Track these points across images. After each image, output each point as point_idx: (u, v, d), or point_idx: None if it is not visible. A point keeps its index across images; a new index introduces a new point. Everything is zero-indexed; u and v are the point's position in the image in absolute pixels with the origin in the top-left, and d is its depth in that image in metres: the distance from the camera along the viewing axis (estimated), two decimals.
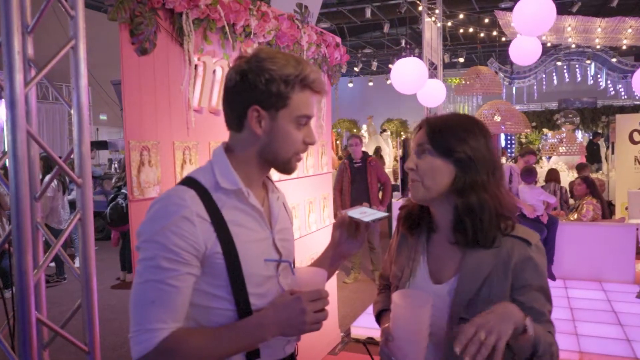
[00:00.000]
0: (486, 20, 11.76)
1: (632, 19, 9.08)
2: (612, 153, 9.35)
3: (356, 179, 5.74)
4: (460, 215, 1.18)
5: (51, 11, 1.63)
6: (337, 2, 11.66)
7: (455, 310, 1.16)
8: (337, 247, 1.30)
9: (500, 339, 0.97)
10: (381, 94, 18.65)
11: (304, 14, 3.17)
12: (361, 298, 5.25)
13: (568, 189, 6.78)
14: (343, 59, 3.80)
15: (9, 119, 1.46)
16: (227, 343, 1.05)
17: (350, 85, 18.98)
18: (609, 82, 14.37)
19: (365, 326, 4.11)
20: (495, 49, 15.26)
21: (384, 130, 16.17)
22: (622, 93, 14.41)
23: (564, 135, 8.68)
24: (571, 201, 6.65)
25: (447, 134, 1.19)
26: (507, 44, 5.98)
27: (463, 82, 9.13)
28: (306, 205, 3.44)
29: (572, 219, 5.93)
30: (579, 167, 7.62)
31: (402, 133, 15.73)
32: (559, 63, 14.53)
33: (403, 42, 14.99)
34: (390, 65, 5.84)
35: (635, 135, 8.30)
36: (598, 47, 12.33)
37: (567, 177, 8.91)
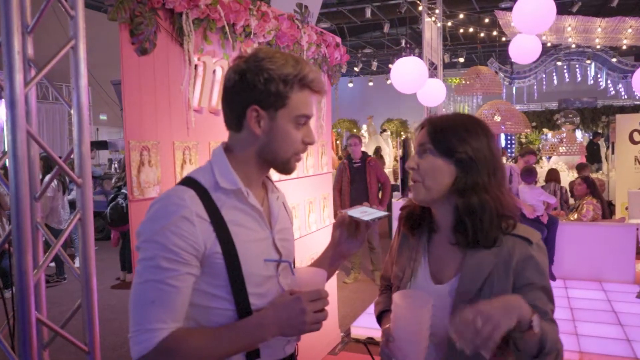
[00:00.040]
0: (486, 20, 11.76)
1: (632, 18, 9.08)
2: (612, 153, 9.35)
3: (355, 179, 5.74)
4: (461, 216, 1.18)
5: (51, 11, 1.63)
6: (337, 2, 11.66)
7: (456, 310, 1.16)
8: (337, 247, 1.30)
9: (496, 329, 0.96)
10: (381, 94, 18.65)
11: (304, 14, 3.17)
12: (361, 298, 5.25)
13: (568, 189, 6.78)
14: (343, 59, 3.80)
15: (9, 119, 1.46)
16: (226, 343, 1.05)
17: (350, 85, 18.99)
18: (609, 82, 14.37)
19: (365, 326, 4.11)
20: (495, 49, 15.26)
21: (384, 130, 16.16)
22: (622, 93, 14.42)
23: (564, 135, 8.69)
24: (571, 201, 6.66)
25: (449, 134, 1.18)
26: (507, 44, 5.98)
27: (463, 82, 9.13)
28: (306, 205, 3.44)
29: (572, 219, 5.93)
30: (579, 167, 7.62)
31: (402, 133, 15.73)
32: (559, 63, 14.53)
33: (403, 42, 15.00)
34: (390, 65, 5.83)
35: (635, 135, 8.30)
36: (598, 47, 12.33)
37: (567, 177, 8.91)
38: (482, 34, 12.61)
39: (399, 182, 7.05)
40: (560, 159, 9.66)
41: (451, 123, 1.21)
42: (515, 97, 16.05)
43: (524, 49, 5.67)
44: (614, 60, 13.52)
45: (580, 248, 5.57)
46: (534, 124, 13.65)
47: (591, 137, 12.56)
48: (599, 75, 14.50)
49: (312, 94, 1.13)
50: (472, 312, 0.97)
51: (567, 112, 10.39)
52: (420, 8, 8.81)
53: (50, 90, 10.69)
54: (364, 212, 1.26)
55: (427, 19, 8.26)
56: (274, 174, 1.23)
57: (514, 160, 9.16)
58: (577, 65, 14.73)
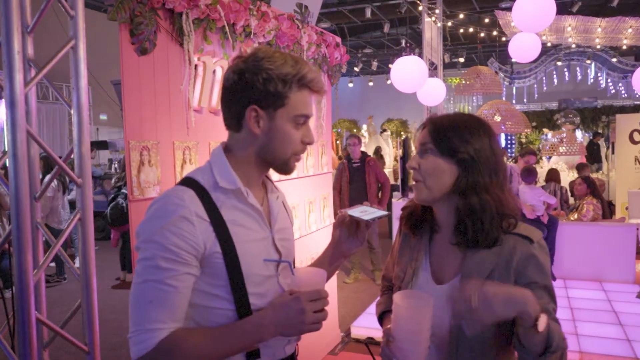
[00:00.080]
0: (486, 20, 11.76)
1: (632, 18, 9.09)
2: (612, 153, 9.34)
3: (354, 179, 5.74)
4: (462, 216, 1.18)
5: (51, 11, 1.63)
6: (338, 2, 11.66)
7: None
8: (337, 246, 1.30)
9: (487, 314, 0.97)
10: (381, 94, 18.65)
11: (304, 14, 3.17)
12: (361, 298, 5.25)
13: (568, 189, 6.78)
14: (343, 59, 3.80)
15: (9, 119, 1.46)
16: (226, 343, 1.05)
17: (351, 85, 18.99)
18: (609, 82, 14.36)
19: (365, 326, 4.11)
20: (496, 49, 15.25)
21: (384, 130, 16.16)
22: (623, 93, 14.41)
23: (564, 135, 8.69)
24: (571, 201, 6.66)
25: (451, 134, 1.18)
26: (507, 43, 5.97)
27: (463, 82, 9.15)
28: (306, 205, 3.44)
29: (572, 218, 5.93)
30: (579, 167, 7.62)
31: (402, 133, 15.72)
32: (559, 63, 14.52)
33: (403, 42, 14.99)
34: (390, 65, 5.82)
35: (636, 135, 8.29)
36: (598, 47, 12.33)
37: (567, 177, 8.90)
38: (482, 34, 12.61)
39: (399, 182, 7.04)
40: (560, 159, 9.66)
41: (453, 123, 1.21)
42: (516, 97, 16.05)
43: (523, 47, 5.67)
44: (614, 60, 13.52)
45: (580, 248, 5.57)
46: (534, 124, 13.65)
47: (591, 137, 12.56)
48: (599, 75, 14.50)
49: (311, 94, 1.13)
50: (473, 289, 0.97)
51: (567, 112, 10.40)
52: (420, 8, 8.81)
53: (50, 90, 10.69)
54: (364, 212, 1.26)
55: (427, 19, 8.26)
56: (273, 174, 1.23)
57: (514, 160, 9.16)
58: (577, 65, 14.73)
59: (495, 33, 11.67)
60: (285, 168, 1.16)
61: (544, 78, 14.88)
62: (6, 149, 1.49)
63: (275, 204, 1.21)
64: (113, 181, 6.72)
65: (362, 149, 5.91)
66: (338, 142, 15.44)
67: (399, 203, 5.87)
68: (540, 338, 1.03)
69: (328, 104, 3.76)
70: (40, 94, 10.27)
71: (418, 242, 1.30)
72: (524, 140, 14.28)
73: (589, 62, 14.16)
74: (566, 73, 15.14)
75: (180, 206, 1.04)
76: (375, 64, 16.29)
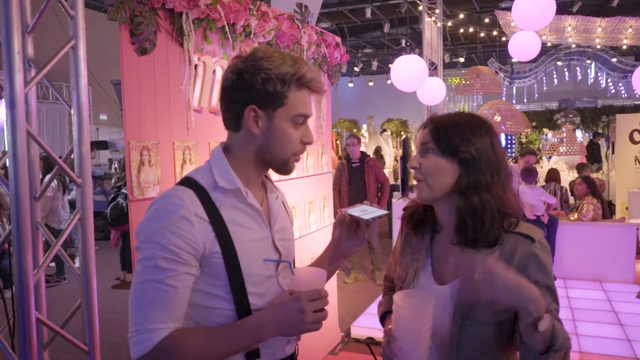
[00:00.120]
0: (486, 20, 11.76)
1: (632, 18, 9.09)
2: (613, 153, 9.34)
3: (354, 179, 5.74)
4: (463, 216, 1.17)
5: (51, 11, 1.63)
6: (338, 2, 11.66)
7: (457, 310, 1.15)
8: (338, 246, 1.30)
9: (485, 295, 0.97)
10: (381, 94, 18.65)
11: (304, 14, 3.17)
12: (361, 298, 5.25)
13: (568, 189, 6.78)
14: (343, 58, 3.80)
15: (9, 119, 1.46)
16: (225, 343, 1.05)
17: (351, 85, 18.98)
18: (609, 81, 14.36)
19: (366, 326, 4.11)
20: (496, 49, 15.25)
21: (384, 130, 16.16)
22: (623, 92, 14.41)
23: (564, 135, 8.70)
24: (571, 201, 6.66)
25: (452, 134, 1.18)
26: (507, 43, 5.98)
27: (463, 82, 9.14)
28: (306, 205, 3.44)
29: (572, 218, 5.93)
30: (579, 167, 7.62)
31: (402, 133, 15.72)
32: (559, 63, 14.52)
33: (403, 42, 15.00)
34: (390, 65, 5.82)
35: (636, 135, 8.29)
36: (598, 47, 12.33)
37: (567, 177, 8.91)
38: (482, 34, 12.60)
39: (399, 182, 7.04)
40: (561, 159, 9.66)
41: (454, 122, 1.20)
42: (516, 97, 16.05)
43: (523, 46, 5.67)
44: (614, 60, 13.52)
45: (581, 248, 5.57)
46: (534, 123, 13.65)
47: (591, 137, 12.56)
48: (599, 75, 14.50)
49: (310, 94, 1.13)
50: (483, 269, 0.97)
51: (567, 112, 10.40)
52: (420, 8, 8.81)
53: (50, 90, 10.69)
54: (364, 211, 1.26)
55: (427, 19, 8.26)
56: (273, 174, 1.23)
57: (514, 160, 9.15)
58: (577, 65, 14.73)
59: (495, 33, 11.67)
60: (284, 168, 1.16)
61: (544, 78, 14.88)
62: (6, 149, 1.49)
63: (274, 203, 1.21)
64: (113, 181, 6.72)
65: (362, 149, 5.91)
66: (338, 142, 15.43)
67: (399, 203, 5.87)
68: (542, 337, 1.02)
69: (328, 104, 3.76)
70: (40, 94, 10.27)
71: (419, 242, 1.29)
72: (524, 140, 14.29)
73: (589, 62, 14.16)
74: (566, 73, 15.14)
75: (179, 206, 1.04)
76: (375, 64, 16.29)
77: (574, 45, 12.45)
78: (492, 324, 1.14)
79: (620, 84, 14.10)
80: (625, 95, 14.56)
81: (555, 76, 15.28)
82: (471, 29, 11.90)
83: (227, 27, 2.44)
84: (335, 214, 3.80)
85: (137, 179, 2.02)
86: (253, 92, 1.08)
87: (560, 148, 8.55)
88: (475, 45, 14.87)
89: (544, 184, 6.52)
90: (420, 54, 7.99)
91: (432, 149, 1.19)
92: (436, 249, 1.27)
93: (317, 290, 1.06)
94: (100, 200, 7.70)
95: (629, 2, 10.66)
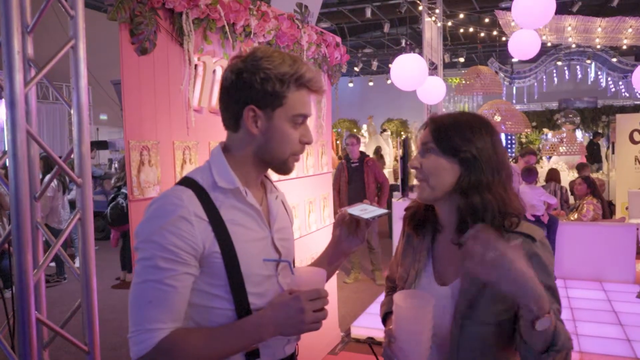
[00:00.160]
0: (486, 20, 11.76)
1: (632, 18, 9.09)
2: (613, 153, 9.34)
3: (353, 179, 5.74)
4: (464, 216, 1.17)
5: (51, 11, 1.63)
6: (338, 2, 11.66)
7: (458, 311, 1.15)
8: (337, 245, 1.30)
9: (487, 268, 0.94)
10: (381, 93, 18.64)
11: (304, 14, 3.17)
12: (361, 298, 5.25)
13: (568, 189, 6.78)
14: (343, 58, 3.80)
15: (9, 119, 1.46)
16: (225, 343, 1.05)
17: (351, 85, 18.98)
18: (609, 81, 14.36)
19: (365, 326, 4.11)
20: (496, 49, 15.24)
21: (384, 130, 16.15)
22: (623, 92, 14.40)
23: (564, 135, 8.70)
24: (571, 201, 6.66)
25: (452, 133, 1.17)
26: (508, 43, 5.98)
27: (463, 82, 9.14)
28: (306, 205, 3.44)
29: (572, 218, 5.93)
30: (579, 167, 7.63)
31: (402, 133, 15.72)
32: (559, 63, 14.52)
33: (403, 41, 14.99)
34: (390, 65, 5.82)
35: (636, 135, 8.29)
36: (598, 46, 12.33)
37: (567, 177, 8.91)
38: (482, 34, 12.60)
39: (399, 182, 7.04)
40: (561, 159, 9.66)
41: (454, 122, 1.20)
42: (516, 97, 16.05)
43: (523, 44, 5.66)
44: (614, 60, 13.52)
45: (581, 248, 5.57)
46: (534, 123, 13.65)
47: (591, 137, 12.56)
48: (599, 75, 14.49)
49: (309, 93, 1.13)
50: (499, 251, 0.94)
51: (567, 112, 10.40)
52: (420, 8, 8.81)
53: (50, 90, 10.69)
54: (364, 210, 1.26)
55: (427, 19, 8.26)
56: (273, 174, 1.23)
57: (514, 160, 9.16)
58: (577, 65, 14.73)
59: (495, 33, 11.66)
60: (283, 168, 1.16)
61: (544, 78, 14.87)
62: (6, 149, 1.49)
63: (274, 203, 1.21)
64: (113, 181, 6.71)
65: (362, 149, 5.90)
66: (338, 142, 15.43)
67: (399, 203, 5.87)
68: (541, 336, 1.01)
69: (328, 104, 3.76)
70: (40, 94, 10.27)
71: (421, 243, 1.29)
72: (524, 140, 14.28)
73: (589, 62, 14.16)
74: (566, 73, 15.14)
75: (178, 206, 1.03)
76: (375, 64, 16.28)
77: (574, 45, 12.45)
78: (493, 324, 1.13)
79: (620, 84, 14.09)
80: (627, 94, 14.54)
81: (555, 76, 15.28)
82: (471, 29, 11.89)
83: (227, 27, 2.44)
84: (335, 213, 3.80)
85: (137, 179, 2.02)
86: (252, 92, 1.08)
87: (560, 148, 8.55)
88: (475, 45, 14.87)
89: (544, 184, 6.52)
90: (421, 54, 7.99)
91: (432, 148, 1.19)
92: (437, 249, 1.27)
93: (317, 289, 1.06)
94: (100, 200, 7.70)
95: (629, 2, 10.65)
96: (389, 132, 15.95)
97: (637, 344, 3.71)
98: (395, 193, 6.84)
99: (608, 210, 6.65)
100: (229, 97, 1.11)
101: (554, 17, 6.95)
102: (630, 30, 9.35)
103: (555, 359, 1.03)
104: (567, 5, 10.43)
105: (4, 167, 1.60)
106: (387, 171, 12.28)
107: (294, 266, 1.19)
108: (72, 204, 6.67)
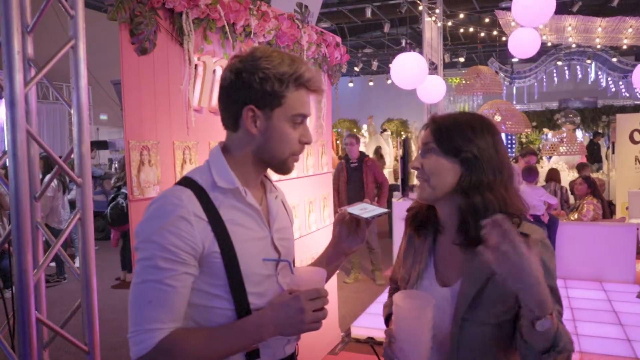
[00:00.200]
0: (487, 20, 11.76)
1: (632, 18, 9.09)
2: (613, 153, 9.34)
3: (352, 179, 5.74)
4: (465, 216, 1.17)
5: (51, 11, 1.63)
6: (338, 1, 11.66)
7: (458, 311, 1.15)
8: (337, 245, 1.30)
9: (501, 267, 0.94)
10: (381, 93, 18.65)
11: (304, 14, 3.17)
12: (361, 298, 5.25)
13: (568, 189, 6.78)
14: (343, 58, 3.80)
15: (9, 119, 1.46)
16: (225, 343, 1.05)
17: (351, 85, 18.98)
18: (609, 81, 14.35)
19: (365, 326, 4.11)
20: (496, 49, 15.23)
21: (384, 130, 16.14)
22: (623, 91, 14.39)
23: (565, 135, 8.69)
24: (571, 201, 6.65)
25: (453, 133, 1.17)
26: (508, 43, 5.98)
27: (463, 81, 9.14)
28: (306, 205, 3.44)
29: (572, 218, 5.93)
30: (580, 167, 7.63)
31: (402, 133, 15.71)
32: (559, 63, 14.51)
33: (403, 41, 14.98)
34: (390, 65, 5.82)
35: (636, 135, 8.29)
36: (598, 46, 12.32)
37: (568, 176, 8.91)
38: (482, 34, 12.60)
39: (399, 182, 7.04)
40: (561, 159, 9.66)
41: (455, 122, 1.20)
42: (516, 97, 16.04)
43: (523, 43, 5.66)
44: (615, 60, 13.51)
45: (581, 248, 5.57)
46: (534, 123, 13.64)
47: (591, 137, 12.55)
48: (599, 75, 14.49)
49: (308, 93, 1.13)
50: (515, 245, 0.93)
51: (567, 112, 10.40)
52: (420, 8, 8.81)
53: (50, 90, 10.69)
54: (364, 209, 1.25)
55: (427, 19, 8.26)
56: (273, 174, 1.23)
57: (514, 160, 9.16)
58: (577, 65, 14.72)
59: (495, 33, 11.66)
60: (283, 168, 1.16)
61: (544, 78, 14.86)
62: (6, 149, 1.49)
63: (274, 203, 1.21)
64: (113, 181, 6.72)
65: (362, 149, 5.90)
66: (338, 142, 15.42)
67: (399, 203, 5.87)
68: (541, 337, 1.01)
69: (328, 104, 3.76)
70: (40, 94, 10.27)
71: (422, 244, 1.29)
72: (524, 140, 14.28)
73: (589, 61, 14.15)
74: (566, 73, 15.13)
75: (178, 206, 1.03)
76: (375, 63, 16.28)
77: (574, 45, 12.45)
78: (493, 324, 1.13)
79: (620, 84, 14.09)
80: (627, 94, 14.53)
81: (555, 76, 15.27)
82: (471, 29, 11.89)
83: (227, 27, 2.44)
84: (334, 213, 3.80)
85: (137, 179, 2.02)
86: (251, 92, 1.08)
87: (561, 148, 8.55)
88: (475, 45, 14.87)
89: (544, 183, 6.52)
90: (421, 54, 7.99)
91: (433, 149, 1.19)
92: (439, 250, 1.27)
93: (316, 289, 1.06)
94: (100, 200, 7.70)
95: (629, 2, 10.65)
96: (389, 132, 15.93)
97: (637, 344, 3.71)
98: (395, 193, 6.83)
99: (608, 210, 6.66)
100: (228, 97, 1.11)
101: (554, 17, 6.96)
102: (630, 30, 9.35)
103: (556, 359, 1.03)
104: (567, 5, 10.43)
105: (4, 167, 1.60)
106: (387, 171, 12.28)
107: (293, 266, 1.19)
108: (72, 204, 6.67)
